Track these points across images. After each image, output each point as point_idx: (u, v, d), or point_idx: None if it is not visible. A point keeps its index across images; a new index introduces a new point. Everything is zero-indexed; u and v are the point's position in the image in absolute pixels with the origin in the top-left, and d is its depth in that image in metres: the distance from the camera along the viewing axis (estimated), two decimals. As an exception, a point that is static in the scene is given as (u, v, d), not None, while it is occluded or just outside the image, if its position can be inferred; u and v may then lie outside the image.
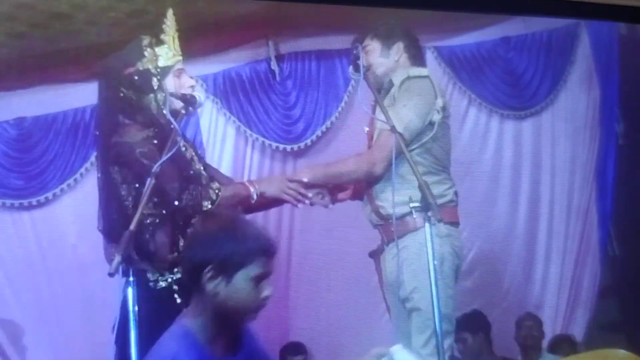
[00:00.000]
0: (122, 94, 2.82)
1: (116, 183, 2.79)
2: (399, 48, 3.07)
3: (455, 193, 3.08)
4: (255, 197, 2.88)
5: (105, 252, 2.90)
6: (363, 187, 3.10)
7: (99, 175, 2.86)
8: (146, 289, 2.70)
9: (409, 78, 2.99)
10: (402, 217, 2.89)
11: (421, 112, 2.93)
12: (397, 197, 2.88)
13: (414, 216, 2.82)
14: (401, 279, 2.94)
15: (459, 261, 2.99)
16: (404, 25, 3.20)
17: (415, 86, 2.98)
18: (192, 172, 2.87)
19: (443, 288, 2.80)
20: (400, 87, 2.98)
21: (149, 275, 2.75)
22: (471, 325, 4.19)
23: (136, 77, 2.81)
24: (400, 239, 2.92)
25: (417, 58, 3.14)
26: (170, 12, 2.86)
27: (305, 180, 2.91)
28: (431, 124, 2.95)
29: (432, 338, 2.82)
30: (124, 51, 2.88)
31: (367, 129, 3.20)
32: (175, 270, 2.75)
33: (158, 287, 2.75)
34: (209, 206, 2.75)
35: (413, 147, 2.93)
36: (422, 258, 2.77)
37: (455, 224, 3.02)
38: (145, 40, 2.84)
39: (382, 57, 3.07)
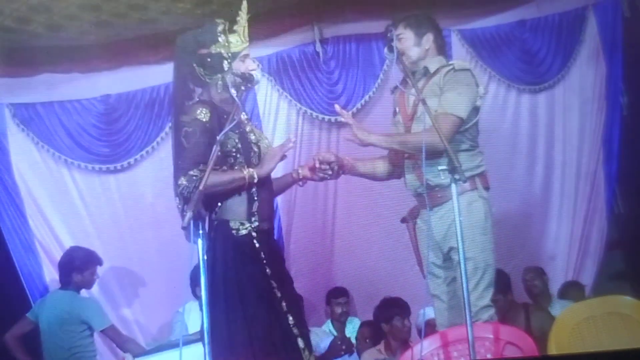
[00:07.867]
0: (194, 69, 3.11)
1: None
2: (428, 39, 3.36)
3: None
4: (248, 179, 3.00)
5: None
6: (407, 160, 3.30)
7: (174, 140, 3.13)
8: (230, 237, 3.00)
9: (454, 70, 3.27)
10: (447, 185, 3.07)
11: (471, 99, 3.24)
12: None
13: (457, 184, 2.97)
14: (449, 235, 3.18)
15: (492, 220, 3.27)
16: (431, 17, 3.48)
17: (461, 77, 3.26)
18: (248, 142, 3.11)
19: (488, 242, 3.17)
20: (445, 77, 3.24)
21: (231, 224, 3.02)
22: (500, 286, 3.92)
23: (209, 59, 3.07)
24: (446, 202, 3.18)
25: (442, 48, 3.43)
26: (244, 4, 3.12)
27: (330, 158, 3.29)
28: (476, 109, 3.28)
29: (481, 282, 3.15)
30: (199, 31, 3.11)
31: (397, 109, 3.42)
32: (253, 219, 3.03)
33: (240, 235, 3.02)
34: None
35: (465, 127, 3.21)
36: (466, 215, 3.01)
37: (487, 188, 3.31)
38: (220, 27, 3.09)
39: (415, 46, 3.36)
